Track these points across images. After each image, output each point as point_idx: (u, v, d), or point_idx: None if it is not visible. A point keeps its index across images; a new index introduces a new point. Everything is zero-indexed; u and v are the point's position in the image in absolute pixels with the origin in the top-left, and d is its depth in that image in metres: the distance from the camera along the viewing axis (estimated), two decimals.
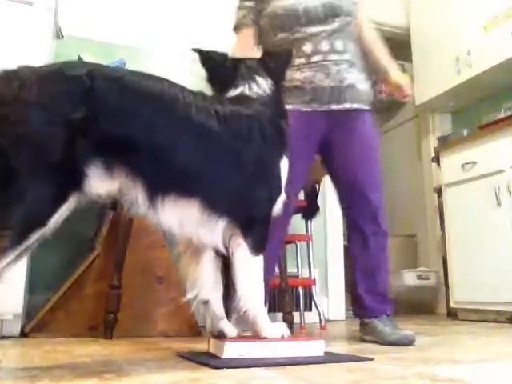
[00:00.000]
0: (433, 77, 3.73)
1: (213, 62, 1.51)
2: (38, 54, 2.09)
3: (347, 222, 1.93)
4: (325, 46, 1.80)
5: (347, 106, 1.83)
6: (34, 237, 1.03)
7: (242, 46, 1.86)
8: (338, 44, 1.82)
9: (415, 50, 3.98)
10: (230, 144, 1.25)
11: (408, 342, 1.65)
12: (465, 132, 3.31)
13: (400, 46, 4.23)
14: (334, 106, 1.81)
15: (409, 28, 4.04)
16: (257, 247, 1.30)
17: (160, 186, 1.16)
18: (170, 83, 1.22)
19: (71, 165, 1.04)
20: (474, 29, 3.32)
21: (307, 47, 1.79)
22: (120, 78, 1.14)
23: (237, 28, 1.93)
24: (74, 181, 1.06)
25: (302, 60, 1.79)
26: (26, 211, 1.00)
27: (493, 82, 3.39)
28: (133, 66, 2.67)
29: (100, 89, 1.08)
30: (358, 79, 1.87)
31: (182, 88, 1.23)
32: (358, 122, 1.86)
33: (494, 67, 3.18)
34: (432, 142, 4.00)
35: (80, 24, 2.93)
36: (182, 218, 1.21)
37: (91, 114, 1.06)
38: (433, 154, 3.59)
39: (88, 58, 2.41)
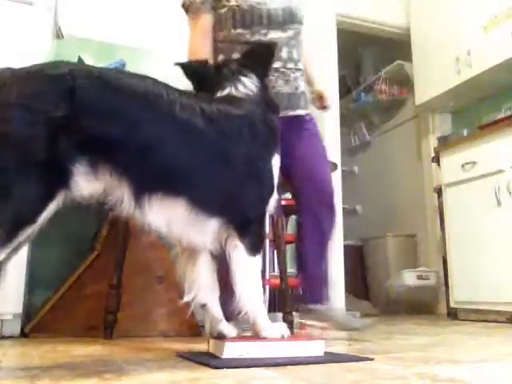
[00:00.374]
0: (433, 77, 3.73)
1: (196, 72, 1.52)
2: (38, 53, 2.09)
3: (301, 209, 1.99)
4: (284, 53, 1.85)
5: (300, 111, 1.92)
6: (25, 234, 1.04)
7: (203, 40, 1.85)
8: (295, 53, 1.88)
9: (415, 50, 3.98)
10: (216, 142, 1.24)
11: (366, 327, 1.85)
12: (465, 132, 3.31)
13: (400, 45, 4.25)
14: (291, 112, 1.87)
15: (409, 28, 4.04)
16: (253, 248, 1.30)
17: (145, 184, 1.15)
18: (155, 81, 1.22)
19: (56, 163, 1.05)
20: (474, 29, 3.32)
21: None
22: (101, 77, 1.14)
23: (192, 10, 1.88)
24: (60, 179, 1.06)
25: None
26: (15, 209, 1.01)
27: (493, 82, 3.39)
28: (133, 66, 2.68)
29: (82, 87, 1.08)
30: (305, 86, 1.97)
31: (167, 86, 1.23)
32: (306, 125, 1.95)
33: (494, 67, 3.18)
34: (432, 142, 4.00)
35: (80, 24, 2.93)
36: (169, 217, 1.20)
37: (73, 113, 1.06)
38: (433, 154, 3.59)
39: (88, 58, 2.41)
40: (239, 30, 1.81)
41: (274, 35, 1.82)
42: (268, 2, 1.83)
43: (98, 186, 1.13)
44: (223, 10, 1.83)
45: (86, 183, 1.10)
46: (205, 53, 1.83)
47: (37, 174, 1.03)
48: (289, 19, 1.86)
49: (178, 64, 1.51)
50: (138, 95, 1.15)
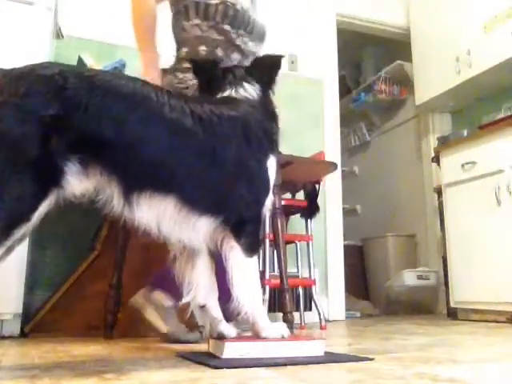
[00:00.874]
0: (433, 77, 3.73)
1: (204, 71, 1.55)
2: (38, 54, 2.09)
3: None
4: None
5: None
6: (19, 233, 1.05)
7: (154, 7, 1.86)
8: None
9: (415, 49, 3.98)
10: (206, 142, 1.25)
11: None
12: (465, 132, 3.31)
13: (400, 45, 4.25)
14: None
15: (409, 28, 4.04)
16: (250, 248, 1.30)
17: (133, 183, 1.17)
18: (144, 83, 1.25)
19: (49, 162, 1.06)
20: (474, 29, 3.32)
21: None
22: (91, 77, 1.16)
23: None
24: (52, 178, 1.07)
25: None
26: (8, 208, 1.02)
27: (493, 82, 3.39)
28: (133, 66, 2.67)
29: (72, 87, 1.10)
30: None
31: (157, 88, 1.26)
32: None
33: (494, 67, 3.18)
34: (432, 142, 4.00)
35: (80, 24, 2.93)
36: (158, 215, 1.20)
37: (64, 112, 1.07)
38: (433, 154, 3.59)
39: (88, 58, 2.41)
40: (227, 27, 1.80)
41: (251, 47, 1.84)
42: (253, 14, 1.85)
43: (89, 185, 1.14)
44: (215, 2, 1.81)
45: (77, 182, 1.11)
46: (154, 25, 1.84)
47: (29, 173, 1.04)
48: (261, 37, 1.89)
49: (191, 60, 1.57)
50: (126, 96, 1.17)
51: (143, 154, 1.16)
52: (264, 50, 1.93)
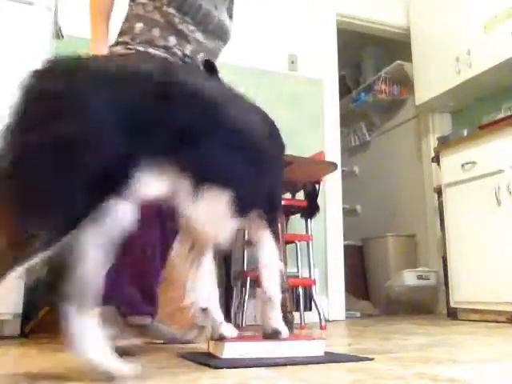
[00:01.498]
0: (433, 77, 3.73)
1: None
2: (38, 54, 2.09)
3: None
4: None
5: None
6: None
7: None
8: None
9: (415, 49, 3.98)
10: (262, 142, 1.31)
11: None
12: (465, 132, 3.31)
13: (400, 45, 4.25)
14: None
15: (409, 28, 4.04)
16: (275, 236, 1.37)
17: (200, 179, 1.10)
18: (219, 81, 1.39)
19: (126, 167, 0.96)
20: (474, 29, 3.32)
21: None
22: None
23: None
24: (128, 184, 0.97)
25: None
26: (74, 215, 0.94)
27: (493, 82, 3.39)
28: None
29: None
30: None
31: (230, 87, 1.31)
32: None
33: (494, 67, 3.18)
34: (432, 141, 4.00)
35: (80, 24, 2.92)
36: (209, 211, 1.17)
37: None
38: (433, 154, 3.59)
39: None
40: (171, 10, 1.72)
41: (199, 37, 1.76)
42: (218, 10, 1.80)
43: (163, 186, 1.07)
44: None
45: (150, 184, 1.03)
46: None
47: (107, 180, 0.93)
48: (225, 36, 1.85)
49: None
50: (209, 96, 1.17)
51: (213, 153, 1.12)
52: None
